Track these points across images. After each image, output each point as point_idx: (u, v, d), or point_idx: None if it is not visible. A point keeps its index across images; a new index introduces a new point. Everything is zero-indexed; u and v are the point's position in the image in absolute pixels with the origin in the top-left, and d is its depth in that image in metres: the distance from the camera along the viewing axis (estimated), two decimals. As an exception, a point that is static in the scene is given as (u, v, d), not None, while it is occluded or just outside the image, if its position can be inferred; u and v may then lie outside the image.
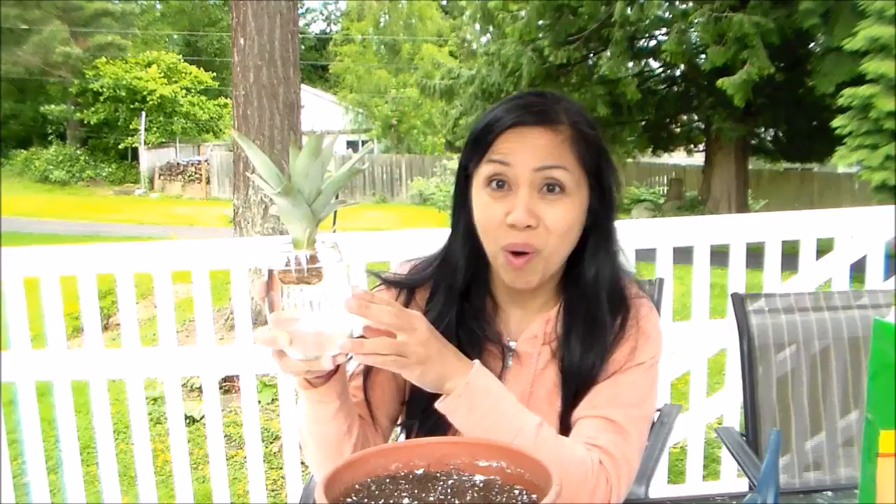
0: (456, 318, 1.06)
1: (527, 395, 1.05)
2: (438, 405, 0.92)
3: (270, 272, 0.81)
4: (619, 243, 1.09)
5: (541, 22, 11.55)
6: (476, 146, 1.02)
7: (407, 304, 1.09)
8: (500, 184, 1.00)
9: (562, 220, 0.99)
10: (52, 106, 23.48)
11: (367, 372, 1.07)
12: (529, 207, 0.97)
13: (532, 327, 1.08)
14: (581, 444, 0.96)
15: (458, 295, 1.07)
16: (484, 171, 1.01)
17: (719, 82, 9.72)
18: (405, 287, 1.11)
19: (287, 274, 0.80)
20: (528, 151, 0.98)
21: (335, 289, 0.81)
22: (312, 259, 0.80)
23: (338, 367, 0.91)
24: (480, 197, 1.02)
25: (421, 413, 1.06)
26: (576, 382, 1.03)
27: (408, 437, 1.11)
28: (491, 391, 0.92)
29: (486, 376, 0.93)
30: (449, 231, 1.11)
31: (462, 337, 1.05)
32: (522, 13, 11.60)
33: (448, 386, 0.90)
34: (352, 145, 23.47)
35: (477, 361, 0.93)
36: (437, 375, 0.90)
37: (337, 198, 0.84)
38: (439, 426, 1.04)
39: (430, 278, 1.10)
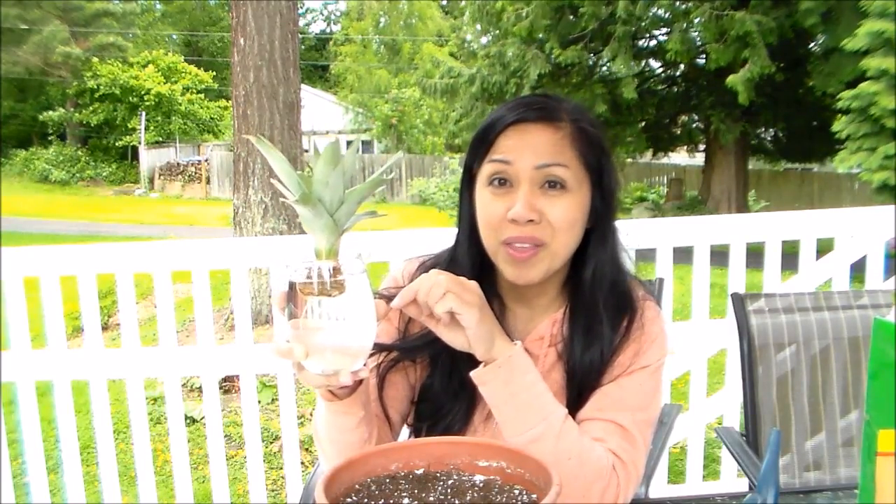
0: None
1: None
2: (475, 374, 0.93)
3: (292, 283, 0.77)
4: (624, 243, 1.08)
5: (542, 22, 11.54)
6: (479, 146, 1.03)
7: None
8: (501, 181, 1.00)
9: (565, 216, 0.98)
10: (51, 112, 23.44)
11: (382, 371, 1.06)
12: (531, 203, 0.97)
13: (539, 328, 1.08)
14: (598, 444, 0.97)
15: None
16: (486, 170, 1.01)
17: (729, 79, 9.68)
18: None
19: (307, 285, 0.76)
20: (529, 149, 0.99)
21: (357, 302, 0.78)
22: (335, 271, 0.77)
23: (361, 379, 0.89)
24: (483, 195, 1.02)
25: (430, 417, 1.06)
26: (579, 384, 1.03)
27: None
28: (530, 370, 0.94)
29: (527, 357, 0.95)
30: (452, 231, 1.11)
31: None
32: (524, 13, 11.57)
33: (495, 350, 0.92)
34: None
35: (519, 342, 0.95)
36: (489, 329, 0.91)
37: (367, 211, 0.81)
38: (449, 431, 1.03)
39: None
